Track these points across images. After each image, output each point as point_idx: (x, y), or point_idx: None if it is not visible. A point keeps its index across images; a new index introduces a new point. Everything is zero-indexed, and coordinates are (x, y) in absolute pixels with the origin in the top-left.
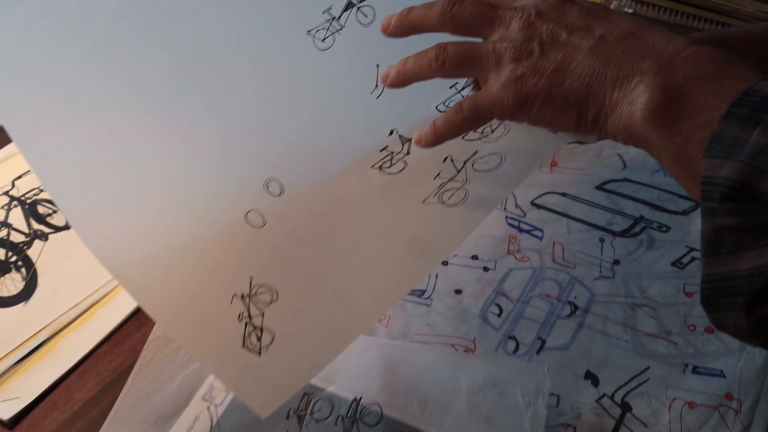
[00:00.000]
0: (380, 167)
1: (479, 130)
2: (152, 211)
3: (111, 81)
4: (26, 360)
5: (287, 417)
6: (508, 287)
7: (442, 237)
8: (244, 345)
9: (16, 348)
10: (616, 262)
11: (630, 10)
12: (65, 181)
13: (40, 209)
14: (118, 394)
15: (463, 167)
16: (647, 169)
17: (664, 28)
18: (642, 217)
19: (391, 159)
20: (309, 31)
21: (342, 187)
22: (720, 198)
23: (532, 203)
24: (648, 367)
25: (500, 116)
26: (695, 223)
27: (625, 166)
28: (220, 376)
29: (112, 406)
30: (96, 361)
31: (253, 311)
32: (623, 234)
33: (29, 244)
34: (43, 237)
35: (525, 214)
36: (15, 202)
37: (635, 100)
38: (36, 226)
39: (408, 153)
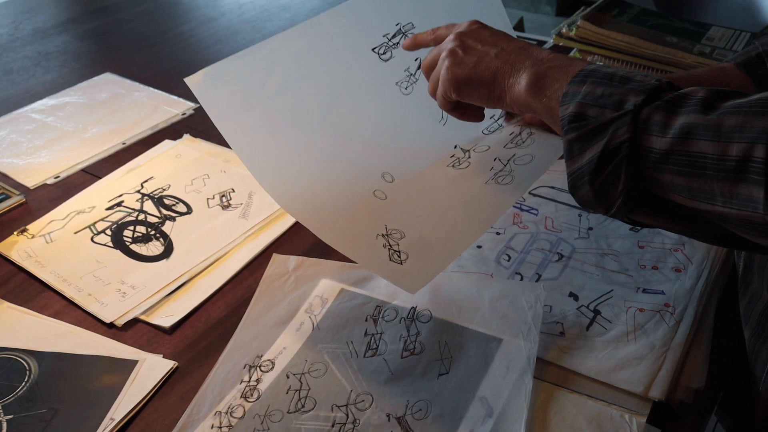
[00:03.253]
0: (453, 166)
1: (514, 140)
2: (331, 191)
3: (301, 108)
4: (174, 293)
5: (365, 320)
6: (514, 244)
7: (499, 202)
8: (390, 259)
9: (165, 286)
10: (590, 228)
11: (601, 63)
12: (276, 178)
13: (166, 201)
14: (243, 314)
15: (508, 163)
16: None
17: (539, 47)
18: None
19: (459, 161)
20: (396, 83)
21: (430, 176)
22: (567, 122)
23: (530, 193)
24: (612, 290)
25: (446, 95)
26: None
27: None
28: (380, 275)
29: (239, 322)
30: (224, 294)
31: (392, 243)
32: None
33: (162, 223)
34: (172, 219)
35: (525, 200)
36: (146, 197)
37: (520, 81)
38: (165, 212)
39: (470, 157)
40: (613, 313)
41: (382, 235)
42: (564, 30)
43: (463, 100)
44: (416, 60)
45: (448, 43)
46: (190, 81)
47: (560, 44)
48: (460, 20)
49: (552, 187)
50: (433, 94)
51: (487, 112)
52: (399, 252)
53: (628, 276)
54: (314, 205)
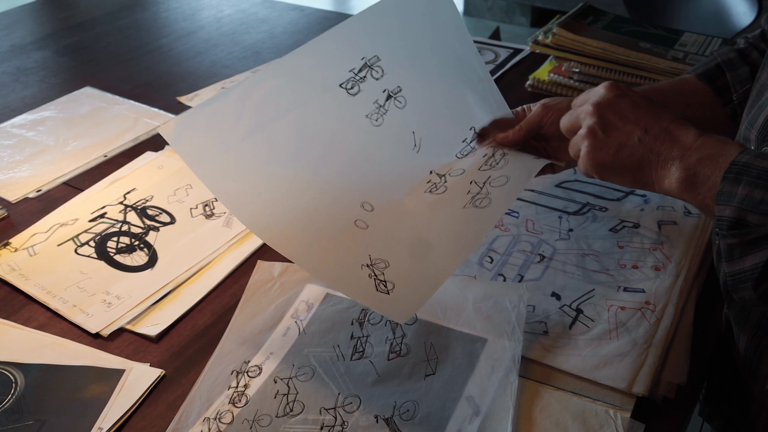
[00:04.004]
0: (430, 192)
1: (488, 162)
2: (314, 225)
3: (279, 143)
4: (160, 303)
5: (351, 324)
6: (496, 246)
7: (479, 226)
8: (377, 290)
9: (150, 295)
10: (570, 230)
11: (577, 69)
12: (259, 218)
13: (149, 212)
14: (229, 321)
15: (484, 186)
16: None
17: (686, 121)
18: (588, 202)
19: (436, 186)
20: (366, 115)
21: (409, 204)
22: (726, 228)
23: None
24: (593, 289)
25: (588, 174)
26: (624, 206)
27: (576, 171)
28: (368, 306)
29: (225, 329)
30: (209, 302)
31: (377, 273)
32: (575, 213)
33: (146, 233)
34: (155, 229)
35: None
36: (129, 208)
37: (671, 176)
38: (148, 222)
39: (446, 182)
40: (595, 312)
41: (367, 266)
42: (540, 37)
43: (607, 180)
44: (384, 91)
45: (587, 118)
46: (164, 131)
47: (537, 51)
48: (426, 50)
49: (532, 190)
50: (575, 158)
51: (459, 135)
52: (385, 282)
53: (608, 275)
54: (300, 241)
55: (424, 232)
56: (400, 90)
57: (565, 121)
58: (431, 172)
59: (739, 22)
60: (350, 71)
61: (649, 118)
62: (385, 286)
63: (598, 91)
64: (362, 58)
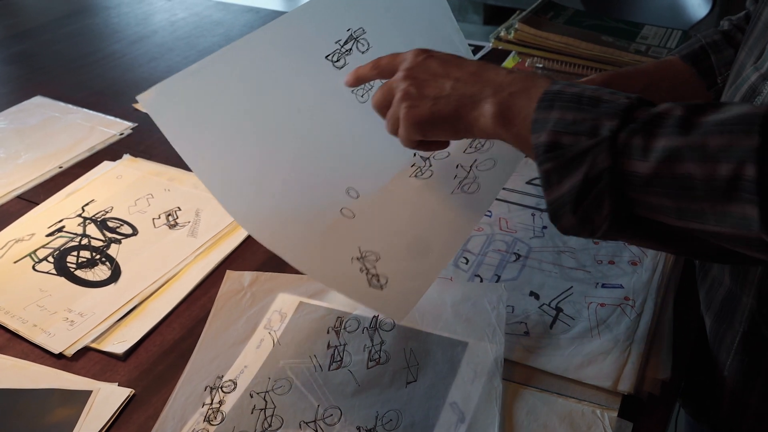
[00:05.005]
0: (416, 176)
1: (473, 144)
2: (299, 213)
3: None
4: (126, 318)
5: (327, 332)
6: (471, 246)
7: (469, 213)
8: (370, 285)
9: (115, 311)
10: (545, 227)
11: (540, 65)
12: (241, 203)
13: (110, 224)
14: (199, 334)
15: (470, 169)
16: None
17: (493, 64)
18: None
19: (421, 171)
20: (352, 91)
21: (395, 190)
22: (542, 152)
23: None
24: (571, 287)
25: (410, 138)
26: None
27: None
28: (362, 303)
29: (196, 343)
30: (178, 315)
31: (368, 266)
32: None
33: (107, 247)
34: (117, 242)
35: None
36: (88, 221)
37: (485, 114)
38: (109, 235)
39: (431, 165)
40: (575, 310)
41: (358, 259)
42: (503, 33)
43: (428, 139)
44: None
45: (400, 83)
46: (142, 98)
47: (500, 47)
48: (410, 22)
49: (504, 188)
50: (394, 133)
51: None
52: (377, 276)
53: (585, 272)
54: (284, 230)
55: (413, 222)
56: None
57: (377, 98)
58: (415, 154)
59: (694, 14)
60: (336, 42)
61: (457, 69)
62: (378, 281)
63: (406, 59)
64: (348, 30)
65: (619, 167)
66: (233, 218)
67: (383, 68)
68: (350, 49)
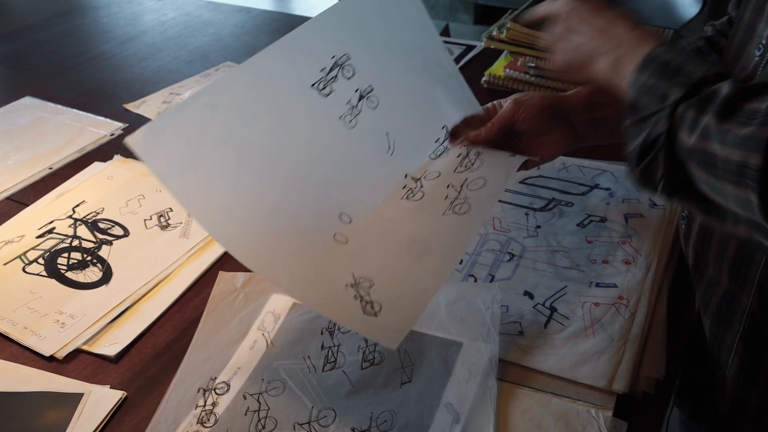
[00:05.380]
0: (407, 198)
1: (463, 163)
2: (292, 240)
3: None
4: (117, 320)
5: (321, 333)
6: None
7: (462, 235)
8: (364, 312)
9: (107, 313)
10: (539, 226)
11: (532, 64)
12: (235, 235)
13: (101, 225)
14: (192, 336)
15: (461, 189)
16: (554, 168)
17: (622, 16)
18: (553, 198)
19: (413, 192)
20: (340, 117)
21: (387, 213)
22: (626, 110)
23: None
24: (566, 286)
25: (558, 74)
26: (590, 200)
27: (538, 168)
28: (357, 330)
29: (188, 344)
30: (170, 317)
31: (363, 293)
32: (541, 209)
33: (98, 248)
34: (108, 243)
35: None
36: (79, 222)
37: (606, 64)
38: (100, 236)
39: (422, 186)
40: (569, 309)
41: (351, 285)
42: (495, 33)
43: (573, 80)
44: (356, 91)
45: (558, 27)
46: (131, 141)
47: (492, 47)
48: (395, 47)
49: None
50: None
51: (432, 135)
52: (372, 303)
53: (579, 271)
54: (278, 259)
55: (406, 246)
56: (372, 89)
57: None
58: (406, 176)
59: (685, 13)
60: (321, 71)
61: (598, 20)
62: (372, 308)
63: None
64: (332, 57)
65: (672, 135)
66: (230, 252)
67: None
68: (336, 76)
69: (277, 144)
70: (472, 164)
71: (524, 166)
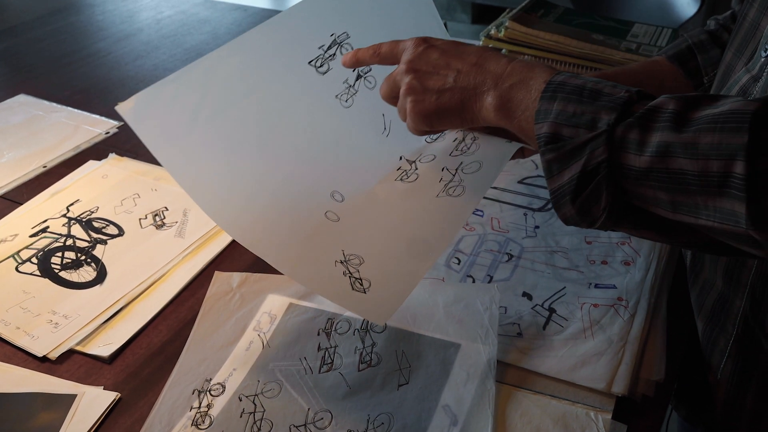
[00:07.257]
0: (401, 179)
1: (459, 147)
2: (282, 216)
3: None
4: (111, 320)
5: (318, 334)
6: (463, 246)
7: (454, 216)
8: (353, 289)
9: (101, 313)
10: (537, 227)
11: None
12: (224, 208)
13: (95, 224)
14: (187, 337)
15: (456, 172)
16: None
17: (495, 52)
18: None
19: (407, 174)
20: (336, 96)
21: (380, 193)
22: (543, 143)
23: None
24: (564, 287)
25: (419, 129)
26: None
27: (537, 167)
28: (345, 306)
29: (183, 345)
30: (165, 317)
31: (352, 270)
32: (540, 209)
33: (93, 247)
34: (103, 242)
35: None
36: (73, 221)
37: (488, 106)
38: (94, 235)
39: (417, 169)
40: (568, 311)
41: (341, 262)
42: (493, 31)
43: (436, 130)
44: (354, 71)
45: (403, 77)
46: (122, 108)
47: (490, 45)
48: (395, 26)
49: (495, 188)
50: (404, 121)
51: None
52: (360, 279)
53: (578, 272)
54: (267, 233)
55: (398, 225)
56: (370, 69)
57: (384, 89)
58: (401, 158)
59: (683, 12)
60: (319, 48)
61: (458, 59)
62: (361, 284)
63: (407, 48)
64: (331, 35)
65: (615, 160)
66: (215, 222)
67: (383, 55)
68: (334, 54)
69: (271, 119)
70: (468, 148)
71: (520, 154)
